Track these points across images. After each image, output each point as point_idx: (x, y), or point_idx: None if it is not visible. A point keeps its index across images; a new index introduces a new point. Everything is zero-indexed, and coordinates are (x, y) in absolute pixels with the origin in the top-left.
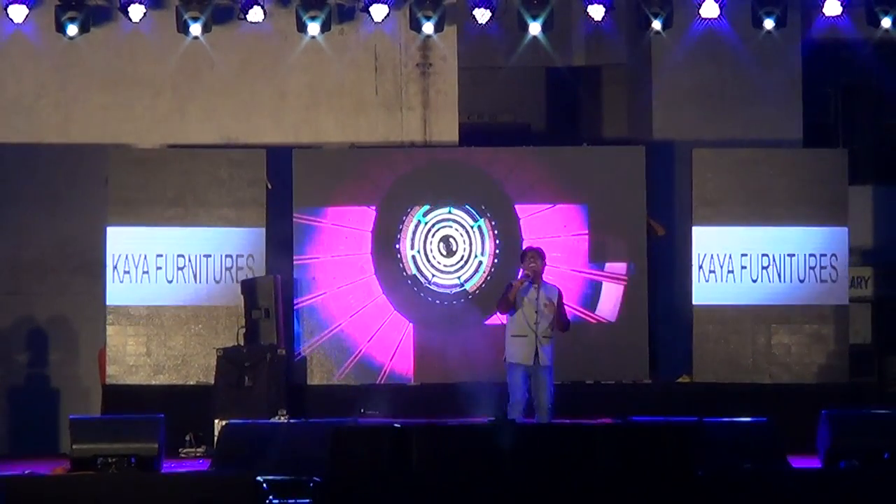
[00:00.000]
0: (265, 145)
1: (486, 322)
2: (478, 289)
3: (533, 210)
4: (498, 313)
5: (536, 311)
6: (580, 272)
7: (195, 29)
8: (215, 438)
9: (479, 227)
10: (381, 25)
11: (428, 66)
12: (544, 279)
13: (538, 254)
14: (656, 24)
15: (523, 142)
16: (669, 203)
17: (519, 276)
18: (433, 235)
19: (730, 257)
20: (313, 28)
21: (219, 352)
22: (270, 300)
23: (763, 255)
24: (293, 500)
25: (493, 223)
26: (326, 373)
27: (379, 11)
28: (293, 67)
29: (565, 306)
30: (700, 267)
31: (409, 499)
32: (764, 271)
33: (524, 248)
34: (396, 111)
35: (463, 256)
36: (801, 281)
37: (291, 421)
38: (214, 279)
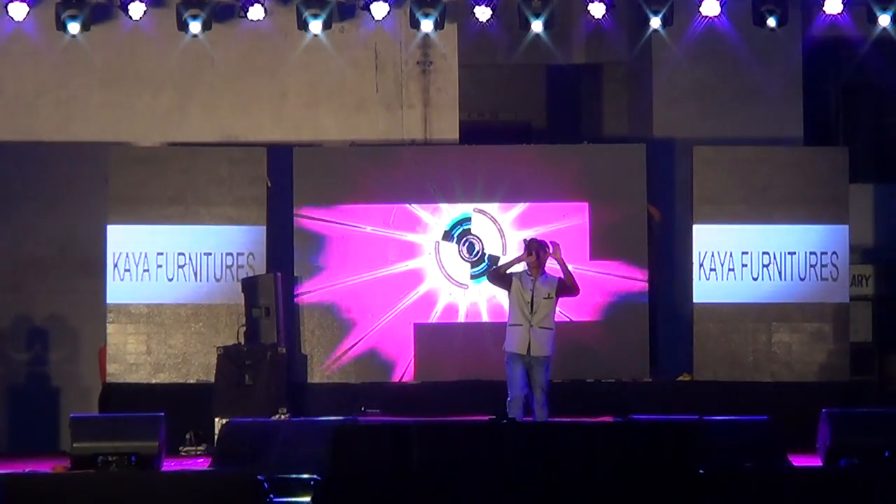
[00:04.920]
0: (265, 143)
1: (488, 320)
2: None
3: (533, 208)
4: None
5: (533, 302)
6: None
7: (195, 27)
8: (216, 437)
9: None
10: (382, 23)
11: (428, 63)
12: (546, 270)
13: (546, 249)
14: (657, 22)
15: (524, 140)
16: (670, 201)
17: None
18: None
19: (730, 255)
20: (314, 26)
21: (219, 350)
22: (271, 298)
23: (764, 253)
24: (294, 499)
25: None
26: (327, 371)
27: (379, 9)
28: (293, 65)
29: (565, 265)
30: (701, 265)
31: (410, 497)
32: (765, 269)
33: (533, 239)
34: (397, 109)
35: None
36: (802, 279)
37: (292, 419)
38: (215, 277)
